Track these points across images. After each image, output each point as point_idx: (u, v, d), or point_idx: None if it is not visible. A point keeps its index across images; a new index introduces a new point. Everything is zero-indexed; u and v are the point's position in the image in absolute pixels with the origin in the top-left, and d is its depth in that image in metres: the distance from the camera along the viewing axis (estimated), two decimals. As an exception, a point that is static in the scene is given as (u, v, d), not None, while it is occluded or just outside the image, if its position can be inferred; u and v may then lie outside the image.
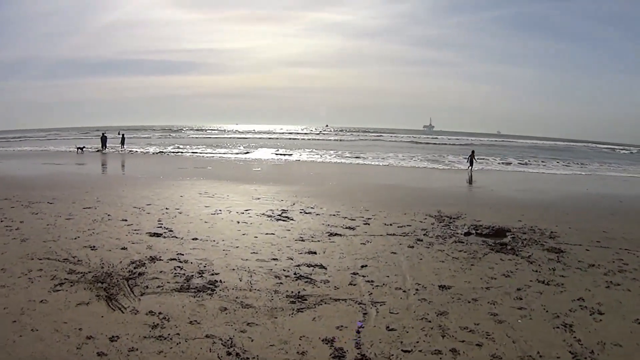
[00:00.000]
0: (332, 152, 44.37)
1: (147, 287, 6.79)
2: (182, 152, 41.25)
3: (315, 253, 8.86)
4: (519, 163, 39.04)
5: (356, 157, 37.99)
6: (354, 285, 7.26)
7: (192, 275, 7.32)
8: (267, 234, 10.26)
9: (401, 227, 11.51)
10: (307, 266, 8.02)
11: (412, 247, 9.62)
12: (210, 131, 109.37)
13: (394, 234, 10.74)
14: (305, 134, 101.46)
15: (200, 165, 27.86)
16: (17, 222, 10.77)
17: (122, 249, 8.73)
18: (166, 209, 12.93)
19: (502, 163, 38.24)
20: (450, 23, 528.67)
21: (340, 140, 77.52)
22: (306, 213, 12.80)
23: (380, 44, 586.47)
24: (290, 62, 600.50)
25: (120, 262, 7.91)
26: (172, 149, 45.74)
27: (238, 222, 11.33)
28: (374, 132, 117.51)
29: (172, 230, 10.25)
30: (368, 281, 7.44)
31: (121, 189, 17.03)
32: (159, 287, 6.81)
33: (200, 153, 40.67)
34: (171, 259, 8.12)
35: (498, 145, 75.54)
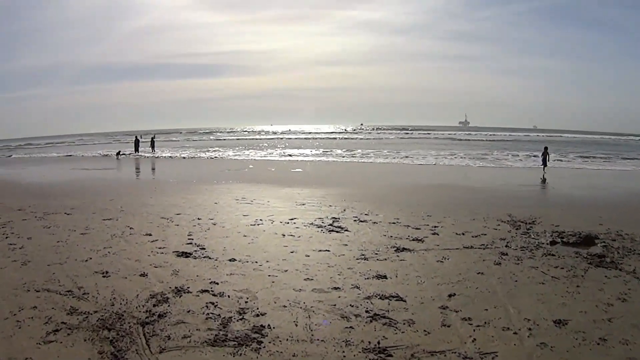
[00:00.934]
0: (370, 151, 42.22)
1: (169, 337, 4.94)
2: (215, 155, 39.82)
3: (385, 277, 6.87)
4: (572, 158, 36.10)
5: (400, 156, 35.76)
6: (448, 326, 5.29)
7: (231, 318, 5.41)
8: (320, 250, 8.31)
9: (476, 237, 9.53)
10: (380, 298, 6.05)
11: (499, 264, 7.69)
12: (244, 132, 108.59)
13: (471, 247, 8.74)
14: (340, 132, 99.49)
15: (236, 168, 26.26)
16: (24, 238, 9.19)
17: (141, 275, 6.94)
18: (198, 219, 11.18)
19: (556, 160, 35.45)
20: (483, 16, 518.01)
21: (377, 138, 75.22)
22: (361, 221, 10.82)
23: (412, 40, 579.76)
24: (322, 61, 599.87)
25: (137, 295, 6.09)
26: (205, 151, 44.50)
27: (283, 236, 9.42)
28: (410, 130, 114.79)
29: (204, 248, 8.43)
30: (464, 319, 5.47)
31: (149, 195, 15.46)
32: (185, 337, 4.94)
33: (235, 155, 39.18)
34: (203, 291, 6.25)
35: (539, 141, 71.81)
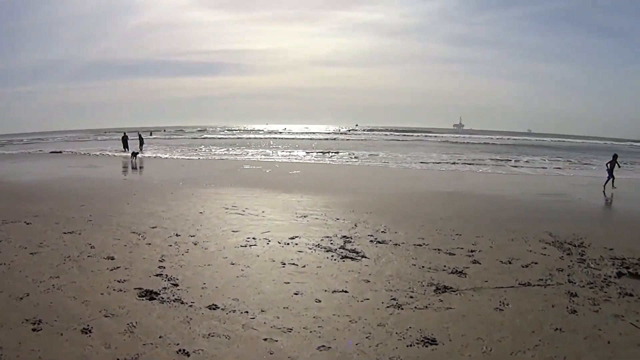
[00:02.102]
0: (369, 153, 40.17)
1: None
2: (208, 154, 37.48)
3: (434, 342, 4.82)
4: (577, 164, 34.19)
5: (401, 159, 33.69)
6: None
7: None
8: (334, 291, 6.18)
9: (527, 267, 7.56)
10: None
11: (574, 312, 5.77)
12: (240, 131, 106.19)
13: (528, 284, 6.75)
14: (336, 133, 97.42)
15: (229, 169, 24.04)
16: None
17: (83, 331, 4.89)
18: (176, 235, 9.10)
19: (556, 167, 33.60)
20: (481, 20, 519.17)
21: (374, 139, 73.11)
22: (379, 242, 8.74)
23: (410, 42, 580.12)
24: (320, 61, 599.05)
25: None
26: (198, 150, 42.25)
27: (283, 265, 7.29)
28: (406, 131, 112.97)
29: (176, 284, 6.32)
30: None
31: (126, 201, 13.37)
32: None
33: (229, 154, 36.76)
34: (164, 371, 4.12)
35: (539, 145, 70.03)
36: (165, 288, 6.12)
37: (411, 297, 6.00)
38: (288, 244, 8.52)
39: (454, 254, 8.08)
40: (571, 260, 8.00)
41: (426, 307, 5.69)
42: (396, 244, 8.62)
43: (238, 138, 71.68)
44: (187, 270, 6.95)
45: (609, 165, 19.17)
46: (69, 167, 26.40)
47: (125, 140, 41.57)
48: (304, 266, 7.17)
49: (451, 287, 6.41)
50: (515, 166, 30.21)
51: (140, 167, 26.75)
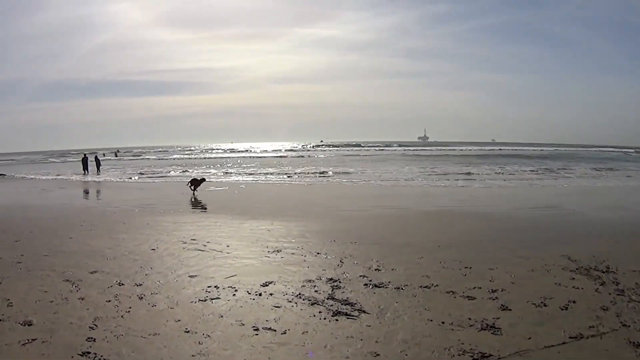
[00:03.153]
0: (336, 169, 38.55)
1: None
2: (170, 175, 34.99)
3: None
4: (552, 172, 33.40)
5: (373, 175, 32.14)
6: None
7: None
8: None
9: (566, 308, 6.03)
10: None
11: None
12: (203, 151, 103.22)
13: (580, 336, 5.18)
14: (304, 150, 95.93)
15: (190, 192, 21.89)
16: None
17: None
18: (119, 284, 7.13)
19: (532, 172, 32.81)
20: (439, 33, 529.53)
21: (342, 155, 71.78)
22: (376, 286, 6.94)
23: (370, 57, 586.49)
24: (282, 78, 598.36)
25: None
26: (159, 171, 39.76)
27: (256, 331, 5.36)
28: (370, 146, 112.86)
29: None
30: None
31: (69, 234, 11.32)
32: None
33: (191, 176, 34.23)
34: None
35: (508, 155, 70.04)
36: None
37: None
38: (260, 294, 6.61)
39: (474, 298, 6.37)
40: (609, 293, 6.58)
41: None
42: (398, 288, 6.83)
43: (203, 158, 69.13)
44: (124, 344, 5.00)
45: None
46: (17, 192, 23.80)
47: (85, 161, 38.84)
48: (284, 332, 5.27)
49: (490, 354, 4.68)
50: (493, 179, 28.96)
51: (97, 192, 24.33)
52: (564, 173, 33.35)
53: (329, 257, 8.74)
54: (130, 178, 33.28)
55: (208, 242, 10.24)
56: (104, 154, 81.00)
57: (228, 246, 9.77)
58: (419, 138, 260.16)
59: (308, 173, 34.88)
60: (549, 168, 38.18)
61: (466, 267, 7.94)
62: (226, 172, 37.06)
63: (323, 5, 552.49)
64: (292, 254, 9.04)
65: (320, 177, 31.32)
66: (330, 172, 34.61)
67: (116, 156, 74.85)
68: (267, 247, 9.67)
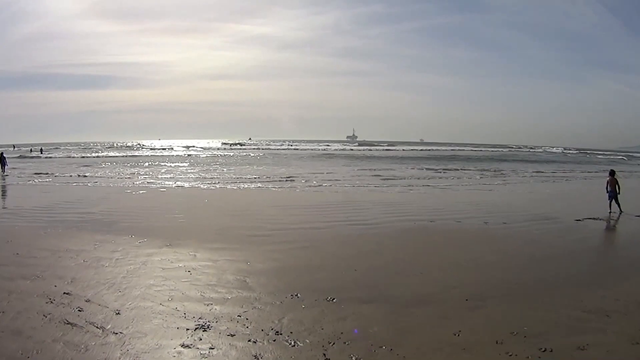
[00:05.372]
0: (273, 169, 34.72)
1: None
2: (77, 176, 29.19)
3: None
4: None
5: (319, 177, 28.50)
6: None
7: None
8: None
9: None
10: None
11: None
12: (127, 148, 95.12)
13: None
14: (234, 149, 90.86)
15: (93, 198, 17.17)
16: None
17: None
18: None
19: (484, 182, 30.50)
20: (373, 34, 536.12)
21: (278, 152, 67.78)
22: None
23: (301, 55, 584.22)
24: (212, 75, 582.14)
25: None
26: (67, 170, 33.95)
27: None
28: (300, 142, 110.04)
29: None
30: None
31: None
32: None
33: (104, 177, 28.85)
34: None
35: (438, 157, 68.83)
36: None
37: None
38: None
39: None
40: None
41: None
42: None
43: (124, 156, 62.40)
44: None
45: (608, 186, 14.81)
46: None
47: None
48: None
49: None
50: (447, 182, 26.13)
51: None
52: (515, 176, 31.24)
53: (298, 343, 4.94)
54: (34, 179, 27.44)
55: (88, 299, 6.18)
56: (31, 150, 74.80)
57: (118, 313, 5.76)
58: (348, 137, 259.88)
59: (241, 174, 30.49)
60: (498, 169, 36.26)
61: (541, 349, 4.48)
62: (147, 174, 31.78)
63: (257, 1, 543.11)
64: (231, 333, 5.18)
65: (254, 178, 26.89)
66: (266, 173, 30.51)
67: (42, 153, 67.13)
68: (184, 315, 5.74)
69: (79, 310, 5.85)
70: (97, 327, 5.33)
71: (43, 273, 7.38)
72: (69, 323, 5.46)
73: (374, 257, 8.80)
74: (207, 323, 5.47)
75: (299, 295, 6.48)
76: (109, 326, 5.35)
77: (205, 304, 6.10)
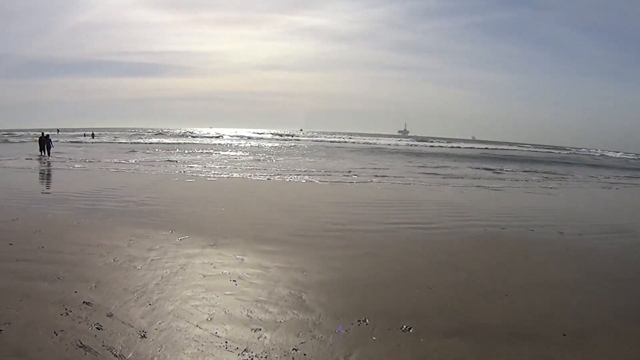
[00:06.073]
0: (329, 161, 33.35)
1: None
2: (127, 162, 28.82)
3: None
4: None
5: (372, 173, 27.03)
6: None
7: None
8: None
9: None
10: None
11: None
12: (178, 135, 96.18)
13: None
14: (285, 140, 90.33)
15: (137, 185, 16.38)
16: None
17: None
18: None
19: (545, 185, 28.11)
20: (426, 28, 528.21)
21: (330, 146, 66.54)
22: None
23: (355, 48, 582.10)
24: (265, 65, 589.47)
25: None
26: (126, 157, 33.85)
27: None
28: (351, 135, 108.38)
29: None
30: None
31: None
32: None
33: (149, 163, 28.41)
34: None
35: (493, 156, 65.81)
36: None
37: None
38: None
39: None
40: None
41: None
42: None
43: (174, 143, 62.67)
44: None
45: None
46: None
47: (42, 141, 32.61)
48: None
49: None
50: (507, 184, 24.12)
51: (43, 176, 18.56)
52: (575, 180, 28.68)
53: None
54: (83, 163, 27.27)
55: (111, 314, 5.04)
56: (84, 134, 77.54)
57: (144, 336, 4.60)
58: (400, 132, 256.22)
59: (290, 168, 29.33)
60: (558, 173, 33.66)
61: None
62: (198, 162, 31.17)
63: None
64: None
65: (311, 174, 25.56)
66: (322, 166, 29.31)
67: (93, 137, 68.91)
68: (225, 344, 4.54)
69: (97, 328, 4.73)
70: (115, 355, 4.16)
71: (66, 273, 6.34)
72: (82, 346, 4.35)
73: (449, 271, 7.35)
74: (254, 358, 4.20)
75: (367, 321, 5.15)
76: (130, 355, 4.17)
77: (252, 330, 4.85)
